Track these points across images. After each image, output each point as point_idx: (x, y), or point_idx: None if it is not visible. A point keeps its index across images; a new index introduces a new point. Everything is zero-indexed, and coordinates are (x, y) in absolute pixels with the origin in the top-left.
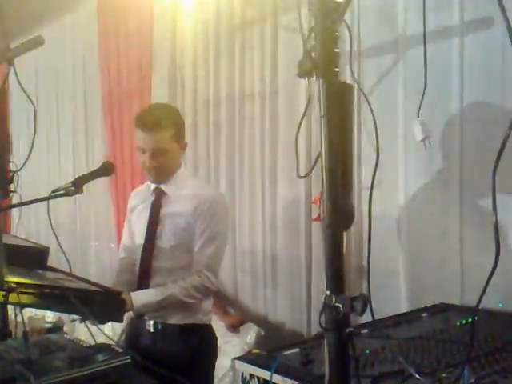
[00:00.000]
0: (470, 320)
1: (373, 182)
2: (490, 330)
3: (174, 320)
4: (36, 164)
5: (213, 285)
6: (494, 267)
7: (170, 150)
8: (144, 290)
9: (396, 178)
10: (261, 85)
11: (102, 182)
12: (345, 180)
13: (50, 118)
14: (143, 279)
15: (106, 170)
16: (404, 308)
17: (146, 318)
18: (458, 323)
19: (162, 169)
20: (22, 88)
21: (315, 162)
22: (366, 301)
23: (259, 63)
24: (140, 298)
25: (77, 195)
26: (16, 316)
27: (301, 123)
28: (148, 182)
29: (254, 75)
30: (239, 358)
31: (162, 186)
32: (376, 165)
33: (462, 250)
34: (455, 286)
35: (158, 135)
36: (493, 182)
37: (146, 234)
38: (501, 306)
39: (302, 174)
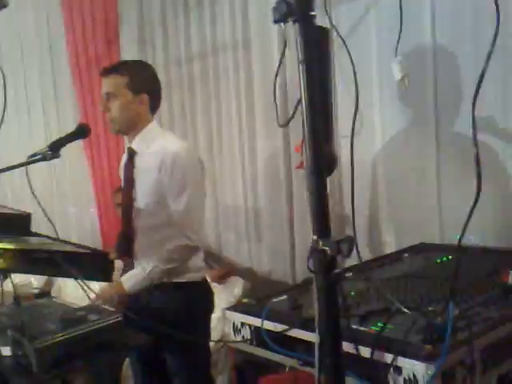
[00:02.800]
0: (449, 257)
1: (353, 129)
2: (468, 265)
3: (166, 278)
4: (6, 129)
5: (191, 241)
6: (476, 201)
7: (121, 96)
8: (129, 272)
9: (372, 123)
10: (233, 35)
11: (76, 144)
12: (326, 125)
13: (16, 81)
14: (126, 240)
15: (82, 131)
16: (385, 250)
17: None
18: (439, 260)
19: (114, 116)
20: None
21: (295, 109)
22: (351, 243)
23: (229, 13)
24: (127, 280)
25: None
26: (2, 284)
27: (278, 71)
28: (126, 143)
29: (225, 26)
30: (230, 308)
31: (133, 145)
32: (355, 111)
33: (439, 191)
34: (434, 225)
35: (110, 79)
36: (472, 114)
37: (123, 194)
38: (473, 241)
39: (282, 122)
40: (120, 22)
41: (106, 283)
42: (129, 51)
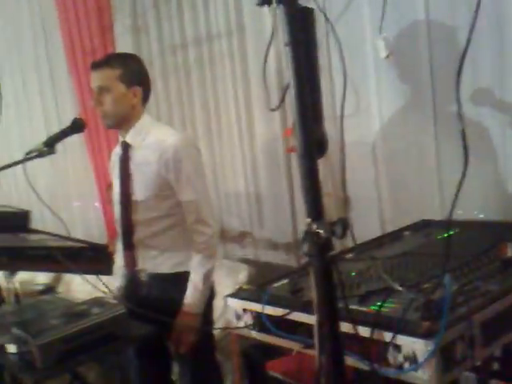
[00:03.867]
0: (450, 233)
1: (342, 107)
2: (469, 239)
3: (166, 269)
4: (7, 130)
5: (211, 227)
6: (464, 175)
7: (114, 89)
8: (187, 296)
9: (370, 102)
10: (226, 21)
11: (77, 140)
12: (315, 107)
13: (14, 82)
14: (126, 234)
15: (77, 126)
16: (387, 229)
17: (138, 269)
18: (439, 237)
19: (107, 111)
20: None
21: (285, 92)
22: (345, 224)
23: None
24: (190, 305)
25: (53, 155)
26: (8, 283)
27: (267, 55)
28: (120, 138)
29: (218, 11)
30: (231, 295)
31: (127, 139)
32: (344, 90)
33: (438, 166)
34: (435, 201)
35: (102, 72)
36: (456, 87)
37: (120, 188)
38: (481, 216)
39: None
40: (113, 12)
41: (175, 322)
42: (123, 41)
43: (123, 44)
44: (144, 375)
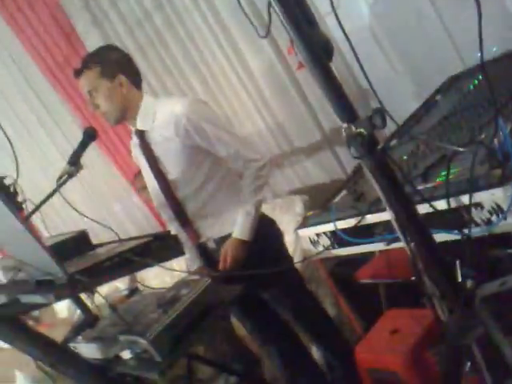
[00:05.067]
0: (480, 78)
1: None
2: (503, 75)
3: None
4: (26, 166)
5: (259, 161)
6: (479, 6)
7: (100, 87)
8: (238, 223)
9: None
10: None
11: (90, 148)
12: (304, 12)
13: (8, 120)
14: (178, 213)
15: (90, 135)
16: (416, 103)
17: (204, 240)
18: (471, 86)
19: (105, 110)
20: None
21: (269, 12)
22: (382, 112)
23: None
24: (242, 231)
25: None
26: (93, 302)
27: None
28: (131, 128)
29: None
30: (299, 227)
31: (138, 126)
32: None
33: (443, 22)
34: (452, 56)
35: (84, 77)
36: None
37: (153, 174)
38: (495, 49)
39: (262, 33)
40: (69, 13)
41: (223, 249)
42: (89, 36)
43: (90, 40)
44: (259, 329)
